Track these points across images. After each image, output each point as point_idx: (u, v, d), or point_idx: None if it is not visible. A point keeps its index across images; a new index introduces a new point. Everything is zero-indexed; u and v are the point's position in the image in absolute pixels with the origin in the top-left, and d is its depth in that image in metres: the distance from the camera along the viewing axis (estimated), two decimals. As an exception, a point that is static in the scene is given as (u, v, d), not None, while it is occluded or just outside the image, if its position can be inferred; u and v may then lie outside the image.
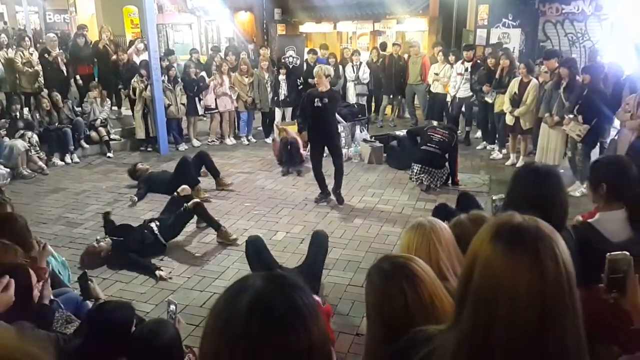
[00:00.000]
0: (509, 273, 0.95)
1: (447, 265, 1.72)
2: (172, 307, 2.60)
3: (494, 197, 2.97)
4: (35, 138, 7.58)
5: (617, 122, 6.10)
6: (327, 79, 6.06)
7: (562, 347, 0.95)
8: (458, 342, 1.02)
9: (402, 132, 8.05)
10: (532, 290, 0.93)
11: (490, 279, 0.96)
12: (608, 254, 1.51)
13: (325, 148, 6.17)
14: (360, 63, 10.07)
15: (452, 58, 8.90)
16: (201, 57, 11.27)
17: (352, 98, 9.98)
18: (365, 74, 10.01)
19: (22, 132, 7.50)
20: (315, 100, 5.99)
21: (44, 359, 0.76)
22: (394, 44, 10.52)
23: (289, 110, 9.53)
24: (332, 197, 6.24)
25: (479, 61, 8.56)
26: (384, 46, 10.79)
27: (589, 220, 2.23)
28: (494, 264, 0.97)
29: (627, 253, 1.52)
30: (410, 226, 1.84)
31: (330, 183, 6.26)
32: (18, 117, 7.64)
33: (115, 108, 9.70)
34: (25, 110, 8.06)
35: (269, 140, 9.27)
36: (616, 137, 6.10)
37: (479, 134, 8.95)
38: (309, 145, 6.53)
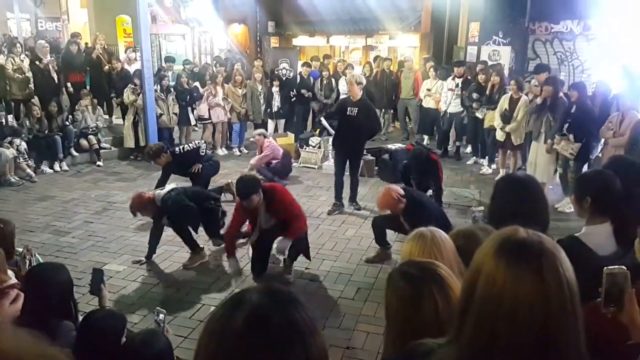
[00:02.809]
0: (511, 288, 0.94)
1: None
2: (161, 316, 2.55)
3: (473, 209, 2.99)
4: (23, 145, 7.50)
5: (601, 139, 6.21)
6: (358, 87, 6.02)
7: None
8: (458, 356, 1.01)
9: (394, 146, 8.09)
10: (533, 306, 0.93)
11: (493, 292, 0.96)
12: (605, 268, 1.51)
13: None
14: None
15: (440, 72, 9.02)
16: (195, 68, 11.26)
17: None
18: (358, 87, 10.07)
19: (10, 139, 7.42)
20: (348, 108, 6.01)
21: None
22: (385, 59, 10.62)
23: (281, 122, 9.55)
24: (346, 208, 6.32)
25: (469, 77, 8.68)
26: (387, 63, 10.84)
27: (576, 234, 2.25)
28: (496, 278, 0.96)
29: (624, 267, 1.52)
30: (411, 236, 1.78)
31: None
32: (4, 123, 7.57)
33: (106, 117, 9.65)
34: (10, 117, 7.99)
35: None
36: (600, 154, 6.20)
37: (469, 148, 9.03)
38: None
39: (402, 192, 4.53)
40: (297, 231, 4.42)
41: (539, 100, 6.49)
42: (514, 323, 0.93)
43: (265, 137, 7.72)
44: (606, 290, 1.50)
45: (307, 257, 4.66)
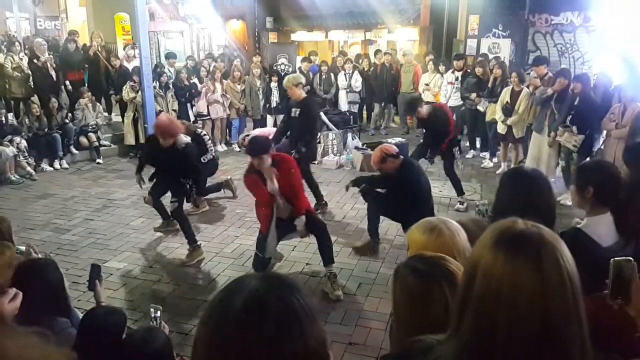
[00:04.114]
0: (510, 281, 0.92)
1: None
2: (158, 313, 2.55)
3: (477, 203, 2.97)
4: (23, 143, 7.51)
5: (604, 131, 6.17)
6: (298, 88, 5.78)
7: (565, 358, 0.93)
8: (457, 352, 0.99)
9: (393, 140, 8.06)
10: (533, 299, 0.91)
11: (491, 286, 0.94)
12: (612, 259, 1.48)
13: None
14: (353, 71, 10.10)
15: (442, 68, 8.97)
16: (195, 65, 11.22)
17: (344, 106, 10.01)
18: (357, 82, 10.04)
19: (10, 137, 7.42)
20: (292, 109, 5.84)
21: None
22: (385, 53, 10.57)
23: (280, 118, 9.50)
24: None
25: (468, 70, 8.64)
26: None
27: (578, 225, 2.23)
28: (494, 271, 0.94)
29: (631, 258, 1.49)
30: (425, 228, 1.67)
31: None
32: (4, 122, 7.56)
33: (105, 114, 9.63)
34: (10, 115, 7.97)
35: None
36: (602, 147, 6.16)
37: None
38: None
39: (394, 151, 4.51)
40: (302, 205, 4.24)
41: (550, 91, 6.41)
42: (514, 317, 0.91)
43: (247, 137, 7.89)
44: (613, 282, 1.48)
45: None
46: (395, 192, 4.55)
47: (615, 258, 1.49)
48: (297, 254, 4.88)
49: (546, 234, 0.97)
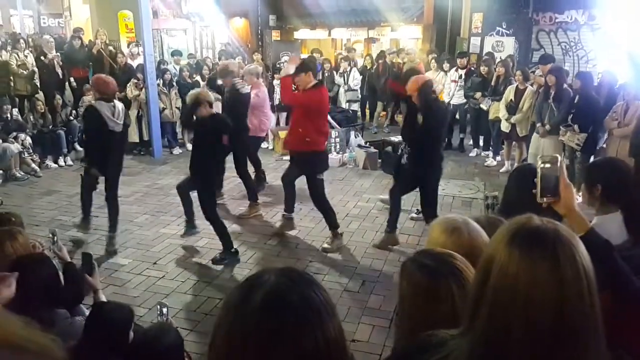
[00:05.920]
0: (526, 278, 0.91)
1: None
2: (164, 309, 2.56)
3: (487, 194, 2.97)
4: (28, 140, 7.54)
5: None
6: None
7: (580, 356, 0.92)
8: (471, 348, 0.98)
9: (396, 138, 8.06)
10: (549, 296, 0.90)
11: (506, 283, 0.93)
12: (539, 157, 1.52)
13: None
14: (351, 69, 10.06)
15: (446, 66, 8.96)
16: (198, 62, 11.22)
17: (343, 105, 10.02)
18: (355, 80, 10.01)
19: (15, 134, 7.45)
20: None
21: (53, 349, 0.75)
22: (390, 53, 10.54)
23: (283, 115, 9.53)
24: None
25: (472, 68, 8.63)
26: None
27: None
28: (510, 268, 0.93)
29: (558, 156, 1.52)
30: (445, 227, 1.62)
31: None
32: (9, 118, 7.60)
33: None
34: (15, 111, 8.01)
35: (262, 145, 9.23)
36: (604, 145, 6.14)
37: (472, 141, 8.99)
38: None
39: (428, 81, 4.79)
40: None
41: (533, 87, 6.39)
42: (530, 314, 0.91)
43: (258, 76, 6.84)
44: (541, 181, 1.49)
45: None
46: (427, 123, 4.64)
47: (542, 158, 1.51)
48: (299, 251, 4.89)
49: (562, 230, 0.96)
